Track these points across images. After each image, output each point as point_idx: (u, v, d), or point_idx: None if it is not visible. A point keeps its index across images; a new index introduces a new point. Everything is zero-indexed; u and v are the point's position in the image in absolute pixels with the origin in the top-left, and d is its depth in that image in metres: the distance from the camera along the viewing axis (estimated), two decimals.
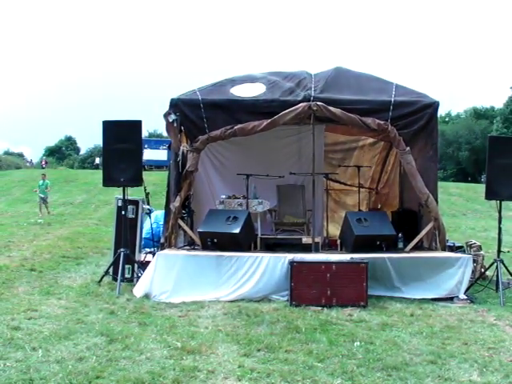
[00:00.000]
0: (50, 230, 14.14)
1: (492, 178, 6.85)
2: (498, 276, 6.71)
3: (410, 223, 7.63)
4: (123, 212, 7.00)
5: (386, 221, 7.22)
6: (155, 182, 23.99)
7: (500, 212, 6.88)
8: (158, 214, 8.95)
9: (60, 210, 20.82)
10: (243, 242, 6.93)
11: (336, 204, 9.96)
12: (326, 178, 9.13)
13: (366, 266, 6.15)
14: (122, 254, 6.77)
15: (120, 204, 7.25)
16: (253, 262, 6.39)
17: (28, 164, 56.04)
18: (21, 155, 66.09)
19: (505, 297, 6.41)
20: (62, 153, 71.22)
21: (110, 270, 7.10)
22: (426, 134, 7.19)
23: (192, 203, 7.70)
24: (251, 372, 3.92)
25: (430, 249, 7.23)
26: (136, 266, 7.09)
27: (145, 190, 7.44)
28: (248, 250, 7.01)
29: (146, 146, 34.39)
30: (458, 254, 6.89)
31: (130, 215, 7.24)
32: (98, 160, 48.45)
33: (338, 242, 7.52)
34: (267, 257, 6.42)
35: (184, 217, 7.40)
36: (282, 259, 6.37)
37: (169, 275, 6.38)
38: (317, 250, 7.03)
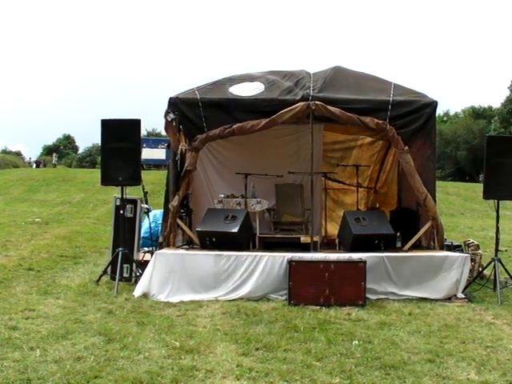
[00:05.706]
0: (48, 229, 14.10)
1: (490, 177, 6.87)
2: (495, 275, 6.73)
3: (408, 222, 7.63)
4: (121, 211, 6.99)
5: (385, 220, 7.22)
6: (153, 181, 23.91)
7: (498, 211, 6.90)
8: (157, 213, 8.94)
9: (58, 209, 20.77)
10: (242, 241, 6.93)
11: (334, 203, 9.96)
12: (325, 177, 9.15)
13: (364, 265, 6.17)
14: (120, 253, 6.76)
15: (118, 203, 7.24)
16: (251, 261, 6.38)
17: (27, 163, 55.43)
18: (18, 154, 65.90)
19: (502, 296, 6.42)
20: (60, 152, 71.07)
21: (109, 270, 7.09)
22: (424, 133, 7.19)
23: (190, 202, 7.69)
24: (250, 371, 3.92)
25: (428, 248, 7.25)
26: (134, 265, 7.09)
27: (143, 189, 7.43)
28: (246, 249, 7.00)
29: (144, 145, 34.30)
30: (456, 253, 6.89)
31: (129, 214, 7.23)
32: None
33: (337, 241, 7.53)
34: (266, 256, 6.42)
35: (182, 216, 7.40)
36: (281, 258, 6.37)
37: (167, 274, 6.38)
38: (315, 249, 7.04)
